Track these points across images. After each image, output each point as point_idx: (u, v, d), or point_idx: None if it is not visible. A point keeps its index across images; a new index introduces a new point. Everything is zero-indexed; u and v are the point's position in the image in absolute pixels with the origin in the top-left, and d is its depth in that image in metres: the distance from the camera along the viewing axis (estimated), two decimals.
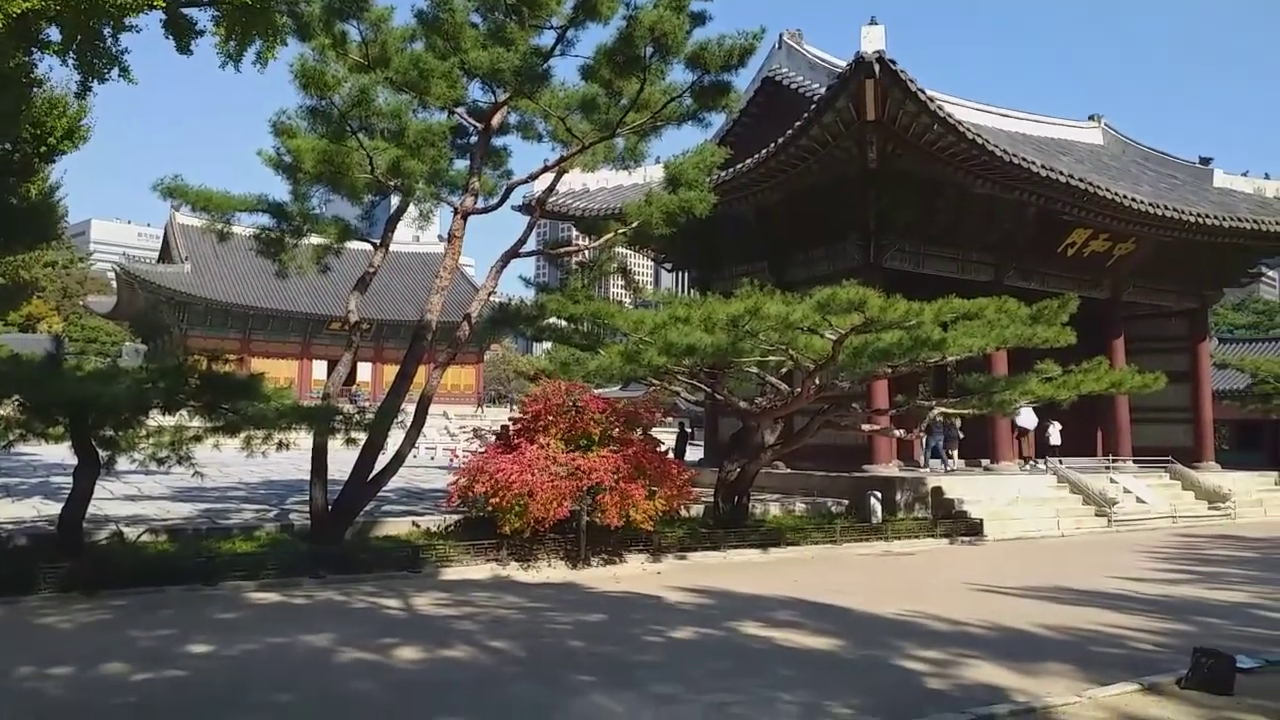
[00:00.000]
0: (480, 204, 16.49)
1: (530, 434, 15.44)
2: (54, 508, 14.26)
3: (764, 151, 21.33)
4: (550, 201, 19.74)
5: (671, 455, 18.12)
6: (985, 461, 25.07)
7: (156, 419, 12.88)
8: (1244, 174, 30.08)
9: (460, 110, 16.04)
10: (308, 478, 14.74)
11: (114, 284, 64.61)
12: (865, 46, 18.92)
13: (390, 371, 44.31)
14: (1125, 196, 23.47)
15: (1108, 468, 25.96)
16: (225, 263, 54.25)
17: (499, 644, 9.46)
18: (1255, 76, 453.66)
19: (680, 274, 30.58)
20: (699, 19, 14.04)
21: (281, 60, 12.77)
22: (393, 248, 17.76)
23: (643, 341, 15.55)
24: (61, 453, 14.12)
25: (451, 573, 13.75)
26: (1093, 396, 19.39)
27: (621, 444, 15.44)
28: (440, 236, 48.13)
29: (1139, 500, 23.80)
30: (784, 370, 17.91)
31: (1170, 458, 27.16)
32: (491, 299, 18.15)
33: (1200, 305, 30.88)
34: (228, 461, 17.19)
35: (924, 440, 23.37)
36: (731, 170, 21.11)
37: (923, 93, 19.37)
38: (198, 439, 13.01)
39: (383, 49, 14.20)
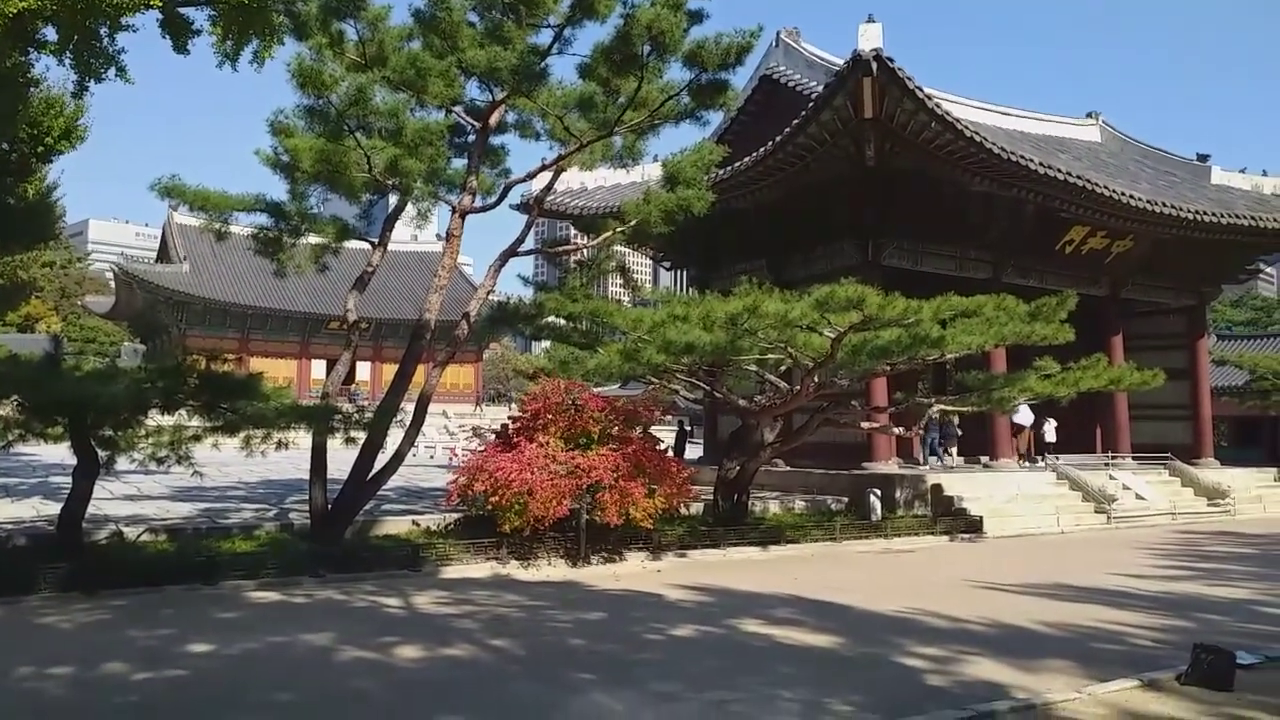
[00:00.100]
0: (478, 203, 16.48)
1: (530, 432, 15.44)
2: (53, 508, 14.26)
3: (762, 150, 21.33)
4: (548, 200, 19.71)
5: (671, 453, 18.13)
6: (984, 458, 25.07)
7: (155, 419, 12.88)
8: (1241, 171, 30.08)
9: (458, 109, 16.03)
10: (307, 477, 14.75)
11: (112, 284, 64.50)
12: (863, 44, 18.92)
13: (389, 370, 44.28)
14: (1123, 194, 23.48)
15: (1107, 464, 26.00)
16: (223, 262, 54.21)
17: (499, 642, 9.47)
18: (1253, 74, 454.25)
19: (679, 272, 30.54)
20: (696, 17, 14.04)
21: (279, 59, 12.76)
22: (391, 247, 17.72)
23: (641, 340, 15.56)
24: (61, 453, 14.12)
25: (451, 571, 13.76)
26: (1092, 393, 19.41)
27: (621, 442, 15.45)
28: (438, 235, 48.11)
29: (1138, 497, 23.84)
30: (783, 368, 17.92)
31: (1169, 454, 27.20)
32: (490, 298, 18.14)
33: (1198, 302, 30.90)
34: (227, 461, 17.18)
35: (923, 437, 23.39)
36: (730, 169, 21.10)
37: (920, 90, 19.37)
38: (197, 438, 13.01)
39: (380, 48, 14.19)
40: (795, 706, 7.35)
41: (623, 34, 13.97)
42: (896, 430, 19.83)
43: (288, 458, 15.03)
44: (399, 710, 7.33)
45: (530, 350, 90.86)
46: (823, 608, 11.56)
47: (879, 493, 19.50)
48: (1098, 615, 11.15)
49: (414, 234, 52.62)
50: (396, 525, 15.36)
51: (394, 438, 15.82)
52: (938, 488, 20.90)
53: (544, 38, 14.86)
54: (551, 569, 14.39)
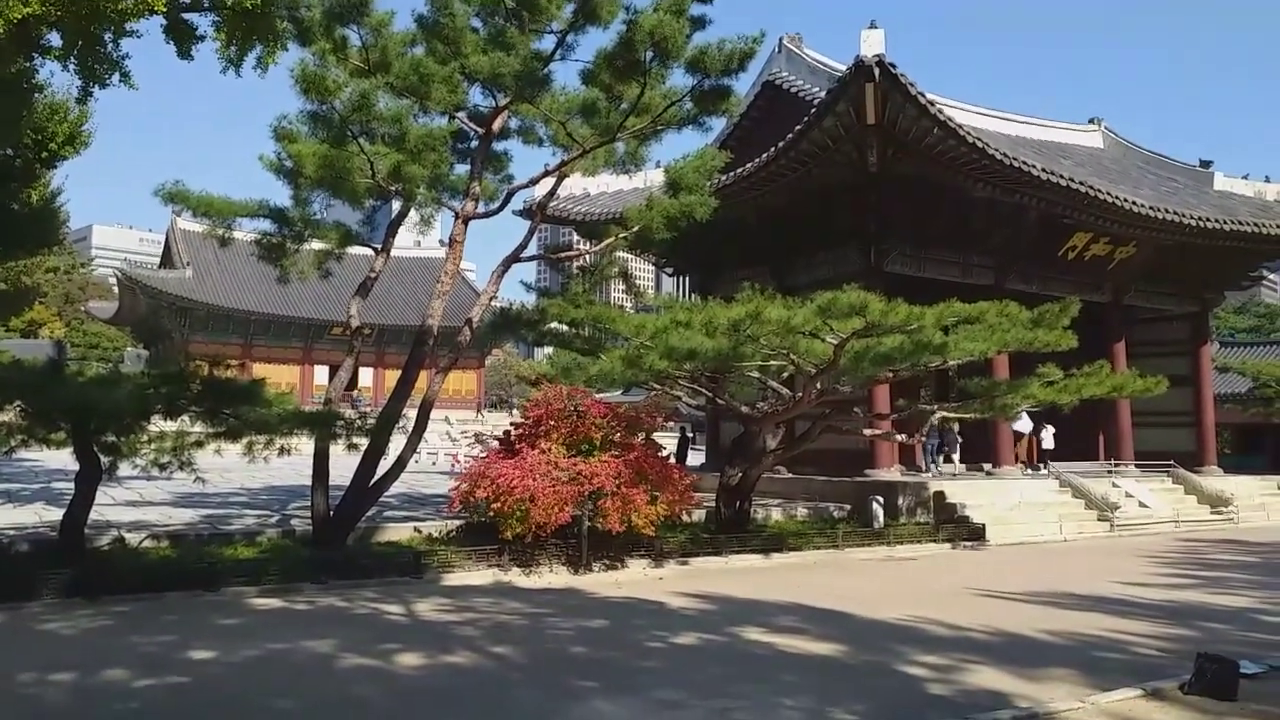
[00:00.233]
0: (481, 209, 16.50)
1: (532, 439, 15.43)
2: (56, 513, 14.25)
3: (764, 156, 21.34)
4: (551, 206, 19.74)
5: (673, 460, 18.10)
6: (987, 466, 25.04)
7: (158, 424, 12.90)
8: (1244, 177, 30.05)
9: (461, 115, 16.06)
10: (309, 483, 14.74)
11: (115, 289, 64.61)
12: (865, 50, 18.95)
13: (392, 376, 44.27)
14: (1126, 200, 23.48)
15: (1110, 472, 25.94)
16: (227, 268, 54.26)
17: (501, 650, 9.45)
18: (1255, 79, 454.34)
19: (681, 278, 30.56)
20: (699, 23, 14.06)
21: (282, 65, 12.79)
22: (394, 253, 17.77)
23: (644, 346, 15.55)
24: (63, 458, 14.14)
25: (453, 578, 13.74)
26: (1094, 400, 19.36)
27: (623, 449, 15.43)
28: (441, 241, 48.19)
29: (1141, 505, 23.76)
30: (785, 375, 17.89)
31: (1172, 462, 27.11)
32: (493, 304, 18.14)
33: (1201, 309, 30.87)
34: (229, 467, 17.20)
35: (925, 444, 23.37)
36: (732, 174, 21.12)
37: (923, 96, 19.38)
38: (199, 444, 13.01)
39: (383, 54, 14.21)
40: (798, 715, 7.33)
41: (625, 40, 13.98)
42: (899, 437, 19.80)
43: (290, 464, 15.03)
44: (400, 717, 7.32)
45: (533, 356, 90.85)
46: (825, 615, 11.53)
47: (881, 500, 19.45)
48: (1101, 624, 11.11)
49: (417, 240, 52.69)
50: (398, 532, 15.34)
51: (396, 444, 15.81)
52: (940, 495, 20.86)
53: (547, 44, 14.92)
54: (553, 576, 14.36)
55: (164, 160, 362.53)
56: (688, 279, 30.20)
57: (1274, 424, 38.53)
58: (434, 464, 33.84)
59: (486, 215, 17.09)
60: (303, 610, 11.49)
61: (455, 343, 16.88)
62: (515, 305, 18.90)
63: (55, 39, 11.34)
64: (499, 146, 16.82)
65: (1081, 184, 22.44)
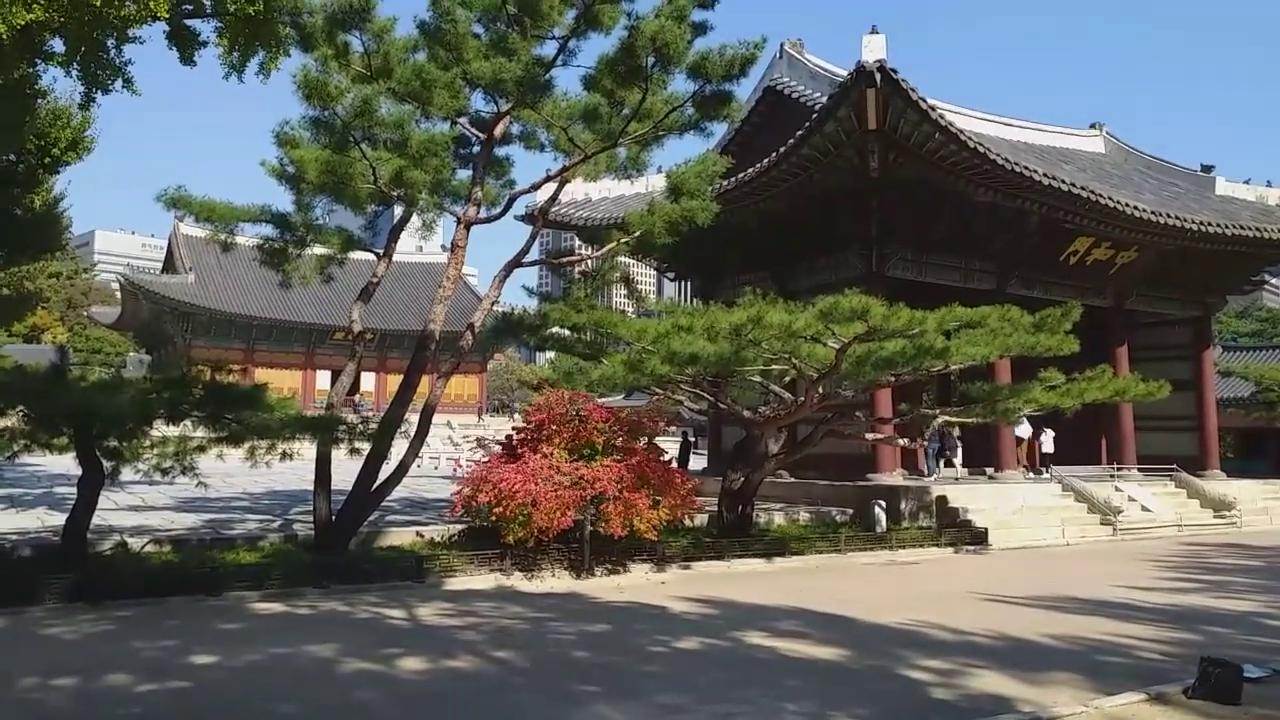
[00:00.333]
0: (483, 214, 16.51)
1: (534, 443, 15.43)
2: (58, 518, 14.26)
3: (766, 161, 21.35)
4: (553, 211, 19.76)
5: (675, 465, 18.09)
6: (989, 470, 25.01)
7: (161, 429, 12.90)
8: (1246, 182, 30.06)
9: (463, 120, 16.09)
10: (311, 488, 14.75)
11: (118, 295, 64.62)
12: (866, 56, 18.97)
13: (394, 381, 44.23)
14: (1127, 204, 23.48)
15: (1112, 476, 25.90)
16: (229, 273, 54.31)
17: (503, 654, 9.44)
18: (1257, 84, 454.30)
19: (683, 283, 30.59)
20: (700, 29, 14.09)
21: (284, 71, 12.81)
22: (396, 258, 17.77)
23: (646, 350, 15.55)
24: (66, 463, 14.12)
25: (455, 583, 13.74)
26: (1097, 405, 19.35)
27: (625, 453, 15.43)
28: (443, 246, 48.04)
29: (1144, 509, 23.73)
30: (787, 379, 17.90)
31: (1175, 466, 27.09)
32: (495, 308, 18.16)
33: (1203, 313, 30.83)
34: (231, 472, 17.21)
35: (926, 448, 23.36)
36: (734, 179, 21.14)
37: (924, 101, 19.40)
38: (202, 449, 13.02)
39: (385, 59, 14.24)
40: (800, 719, 7.32)
41: (627, 46, 14.01)
42: (901, 441, 19.79)
43: (292, 468, 15.03)
44: None
45: (534, 361, 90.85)
46: (828, 620, 11.52)
47: (884, 504, 19.44)
48: (1104, 628, 11.09)
49: (419, 245, 52.61)
50: (400, 536, 15.34)
51: (398, 449, 15.81)
52: (943, 499, 20.83)
53: (549, 49, 14.92)
54: (555, 580, 14.35)
55: (167, 165, 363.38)
56: (689, 284, 30.22)
57: (1276, 428, 38.48)
58: (436, 468, 33.85)
59: (488, 220, 17.11)
60: (305, 615, 11.48)
61: (457, 347, 16.88)
62: (517, 310, 18.92)
63: (58, 45, 11.36)
64: (501, 152, 16.86)
65: (1083, 189, 22.46)
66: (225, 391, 13.15)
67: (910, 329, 14.39)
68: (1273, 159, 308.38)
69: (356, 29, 14.05)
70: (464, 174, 16.61)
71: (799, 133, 20.49)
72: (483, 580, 13.97)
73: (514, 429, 17.00)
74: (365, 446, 14.35)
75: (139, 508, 18.09)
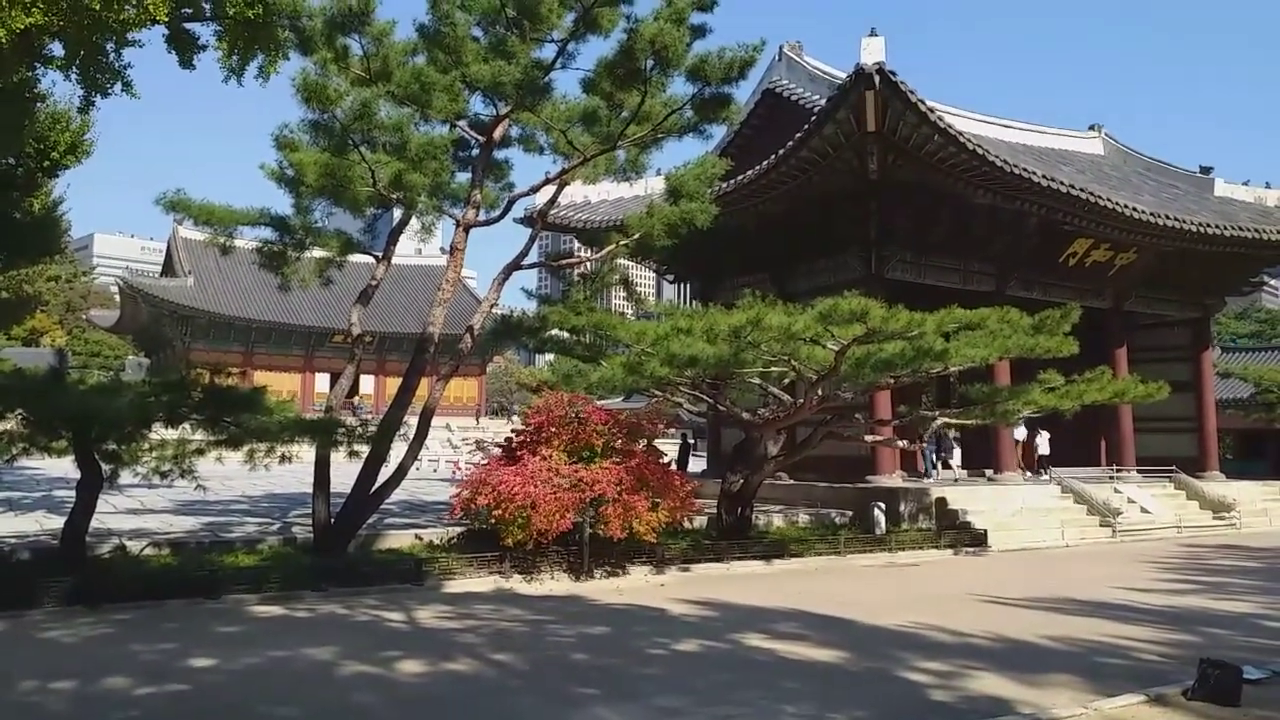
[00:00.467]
0: (482, 216, 16.52)
1: (533, 446, 15.43)
2: (57, 521, 14.26)
3: (765, 163, 21.37)
4: (552, 214, 19.76)
5: (674, 467, 18.08)
6: (989, 472, 25.01)
7: (159, 432, 12.88)
8: (1245, 183, 30.09)
9: (462, 123, 16.10)
10: (310, 491, 14.74)
11: (117, 298, 64.66)
12: (865, 58, 18.98)
13: (393, 384, 44.26)
14: (1126, 206, 23.50)
15: (1111, 478, 25.91)
16: (228, 276, 54.31)
17: (502, 657, 9.44)
18: (1255, 85, 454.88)
19: (682, 285, 30.59)
20: (699, 32, 14.10)
21: (284, 74, 12.82)
22: (395, 261, 17.79)
23: (645, 353, 15.55)
24: (65, 466, 14.12)
25: (454, 585, 13.73)
26: (1096, 406, 19.35)
27: (624, 455, 15.43)
28: (442, 249, 48.12)
29: (1143, 510, 23.73)
30: (786, 381, 17.89)
31: (1174, 467, 27.13)
32: (494, 311, 18.16)
33: (1202, 314, 30.85)
34: (230, 475, 17.19)
35: (924, 450, 23.36)
36: (733, 182, 21.15)
37: (923, 103, 19.42)
38: (200, 452, 13.01)
39: (384, 63, 14.24)
40: None
41: (626, 49, 14.02)
42: (900, 443, 19.79)
43: (291, 471, 15.02)
44: None
45: (534, 363, 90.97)
46: (827, 622, 11.52)
47: (883, 506, 19.45)
48: (1103, 630, 11.09)
49: (418, 248, 52.68)
50: (399, 539, 15.33)
51: (397, 451, 15.81)
52: (942, 501, 20.84)
53: (548, 52, 14.94)
54: (554, 583, 14.35)
55: (166, 169, 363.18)
56: (689, 286, 30.22)
57: (1276, 429, 38.52)
58: (435, 471, 33.82)
59: (488, 223, 17.13)
60: (304, 617, 11.48)
61: (456, 350, 16.88)
62: (516, 312, 18.90)
63: (57, 49, 11.37)
64: (500, 154, 16.87)
65: (1082, 190, 22.47)
66: (224, 394, 13.16)
67: (909, 331, 14.40)
68: (1271, 160, 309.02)
69: (356, 32, 14.05)
70: (463, 177, 16.64)
71: (798, 135, 20.51)
72: (482, 583, 13.96)
73: (513, 431, 17.00)
74: (364, 449, 14.35)
75: (138, 511, 18.09)
